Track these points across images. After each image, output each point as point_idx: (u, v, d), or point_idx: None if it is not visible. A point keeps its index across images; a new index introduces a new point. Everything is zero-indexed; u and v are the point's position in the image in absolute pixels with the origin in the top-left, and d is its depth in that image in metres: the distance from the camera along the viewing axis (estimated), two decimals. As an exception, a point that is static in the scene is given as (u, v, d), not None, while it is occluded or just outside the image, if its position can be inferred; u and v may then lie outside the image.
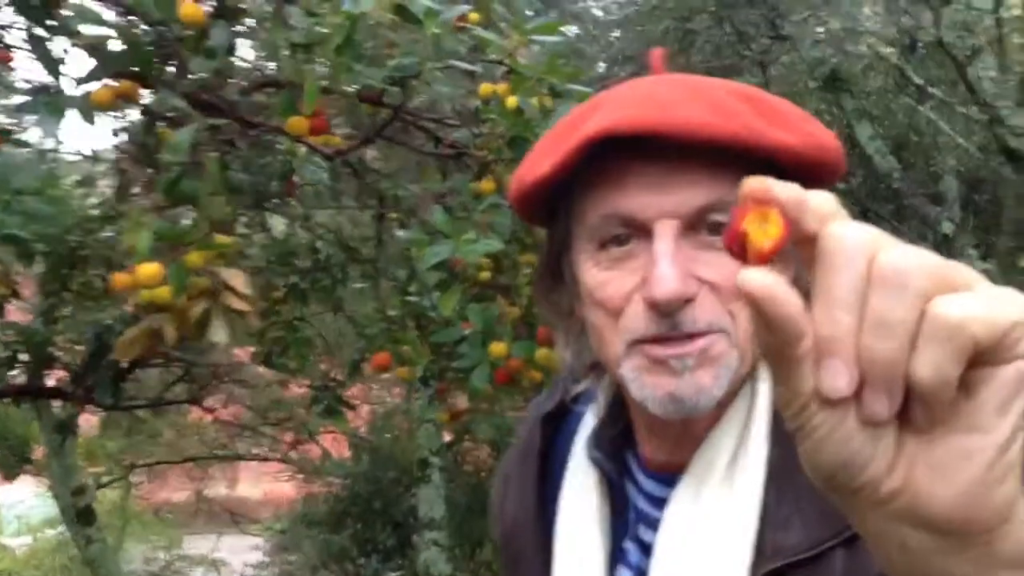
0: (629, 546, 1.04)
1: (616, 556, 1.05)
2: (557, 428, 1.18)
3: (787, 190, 0.51)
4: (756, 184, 0.51)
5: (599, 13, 8.11)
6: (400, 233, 2.93)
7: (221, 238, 2.02)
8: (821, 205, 0.51)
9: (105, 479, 10.42)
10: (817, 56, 5.75)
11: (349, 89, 2.14)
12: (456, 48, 2.40)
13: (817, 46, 5.78)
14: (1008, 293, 0.49)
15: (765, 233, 0.51)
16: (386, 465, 10.71)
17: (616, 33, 7.75)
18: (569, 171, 0.94)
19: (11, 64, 1.88)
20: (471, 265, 2.55)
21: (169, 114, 2.20)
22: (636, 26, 7.27)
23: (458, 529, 10.20)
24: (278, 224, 6.63)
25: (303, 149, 2.68)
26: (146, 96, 2.12)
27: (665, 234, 0.90)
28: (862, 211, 7.86)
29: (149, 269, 1.81)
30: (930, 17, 5.05)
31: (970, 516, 0.49)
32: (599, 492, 1.07)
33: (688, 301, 0.89)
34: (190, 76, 2.14)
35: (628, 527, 1.05)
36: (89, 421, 9.11)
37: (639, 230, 0.92)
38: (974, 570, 0.51)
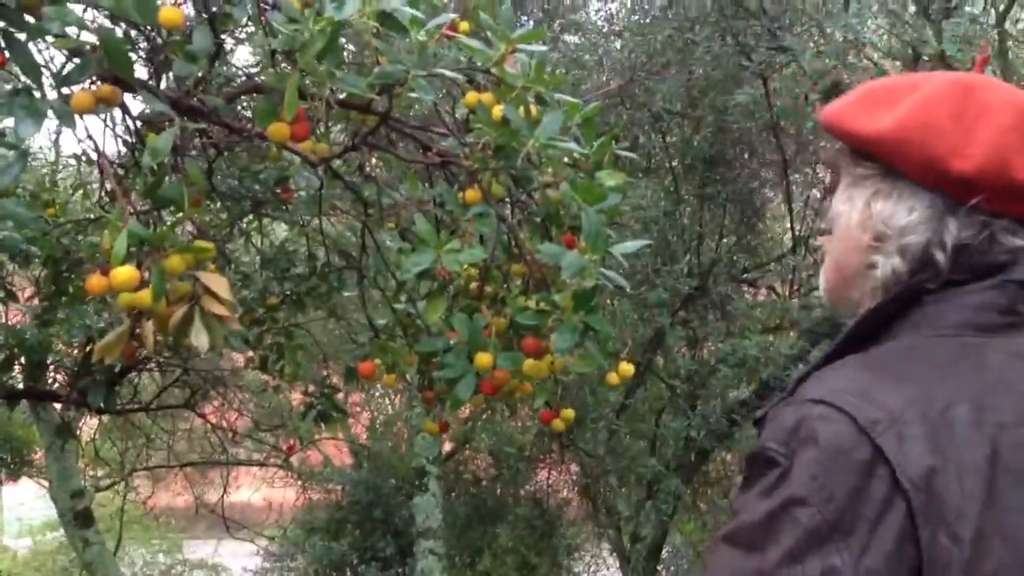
0: None
1: None
2: None
3: None
4: None
5: (600, 23, 8.11)
6: (388, 241, 2.93)
7: (202, 243, 2.01)
8: None
9: (105, 483, 10.42)
10: (818, 68, 5.73)
11: (333, 95, 2.13)
12: (443, 55, 2.40)
13: (818, 57, 5.76)
14: None
15: None
16: (386, 473, 10.71)
17: (617, 43, 7.74)
18: None
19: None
20: (458, 275, 2.55)
21: (153, 118, 2.20)
22: (637, 36, 7.27)
23: (458, 539, 10.18)
24: (279, 230, 6.65)
25: (297, 157, 2.68)
26: (130, 100, 2.12)
27: None
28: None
29: (124, 273, 1.80)
30: (932, 30, 5.02)
31: None
32: None
33: None
34: (175, 80, 2.14)
35: None
36: (90, 424, 9.12)
37: None
38: None
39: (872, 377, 1.00)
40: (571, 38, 7.88)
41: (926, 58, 5.82)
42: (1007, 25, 7.76)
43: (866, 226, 1.12)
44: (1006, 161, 1.04)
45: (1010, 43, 7.94)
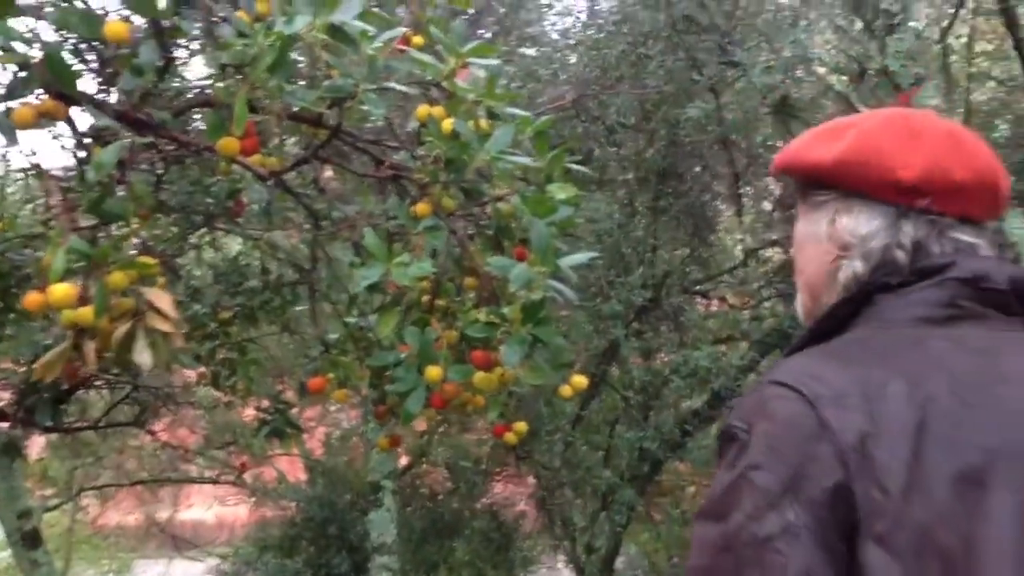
0: None
1: None
2: None
3: None
4: None
5: (556, 36, 8.16)
6: (340, 255, 2.91)
7: (146, 259, 1.99)
8: None
9: (53, 502, 10.22)
10: (767, 82, 5.80)
11: (284, 109, 2.12)
12: (397, 69, 2.40)
13: (767, 72, 5.83)
14: None
15: None
16: (342, 488, 10.62)
17: (572, 57, 7.79)
18: None
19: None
20: (410, 288, 2.55)
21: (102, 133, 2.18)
22: (592, 50, 7.32)
23: (414, 553, 10.12)
24: (233, 244, 6.58)
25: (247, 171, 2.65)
26: (76, 114, 2.09)
27: None
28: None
29: (60, 290, 1.77)
30: (876, 45, 5.10)
31: None
32: None
33: None
34: (122, 94, 2.12)
35: None
36: (38, 443, 8.96)
37: None
38: None
39: (823, 362, 1.16)
40: (528, 51, 7.91)
41: (872, 72, 5.92)
42: (949, 40, 7.93)
43: (833, 239, 1.30)
44: (943, 166, 1.24)
45: (953, 57, 8.11)
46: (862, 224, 1.27)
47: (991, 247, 1.28)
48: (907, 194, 1.24)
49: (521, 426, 2.79)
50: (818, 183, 1.32)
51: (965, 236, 1.25)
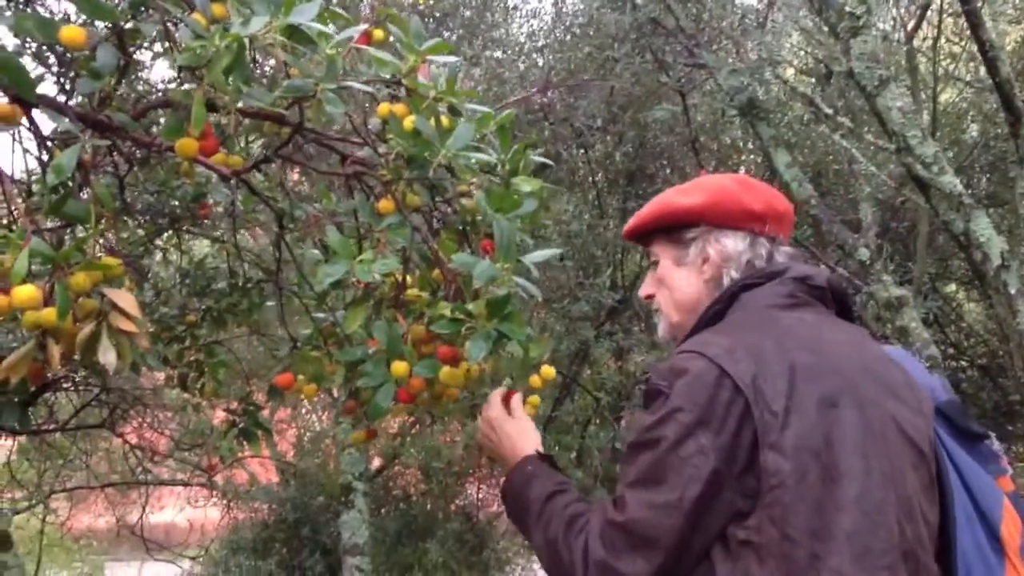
0: None
1: None
2: None
3: None
4: None
5: (523, 39, 8.18)
6: (306, 253, 2.92)
7: (109, 260, 1.99)
8: None
9: (23, 505, 10.12)
10: (734, 85, 5.85)
11: (241, 109, 2.13)
12: (363, 70, 2.42)
13: (734, 75, 5.88)
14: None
15: None
16: (314, 490, 10.60)
17: (539, 60, 7.81)
18: None
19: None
20: (382, 283, 2.56)
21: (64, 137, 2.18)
22: (557, 53, 7.34)
23: (388, 555, 10.12)
24: (202, 246, 6.55)
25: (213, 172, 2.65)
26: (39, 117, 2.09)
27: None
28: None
29: (25, 292, 1.77)
30: (841, 48, 5.16)
31: None
32: None
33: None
34: (80, 96, 2.12)
35: None
36: (5, 446, 8.87)
37: None
38: None
39: (713, 335, 1.66)
40: (497, 53, 7.91)
41: (843, 75, 5.98)
42: (916, 41, 8.01)
43: (711, 260, 1.84)
44: (771, 202, 1.86)
45: (920, 58, 8.19)
46: (734, 244, 1.83)
47: (801, 261, 1.84)
48: (757, 220, 1.82)
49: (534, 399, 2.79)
50: (685, 224, 1.86)
51: (788, 248, 1.86)
